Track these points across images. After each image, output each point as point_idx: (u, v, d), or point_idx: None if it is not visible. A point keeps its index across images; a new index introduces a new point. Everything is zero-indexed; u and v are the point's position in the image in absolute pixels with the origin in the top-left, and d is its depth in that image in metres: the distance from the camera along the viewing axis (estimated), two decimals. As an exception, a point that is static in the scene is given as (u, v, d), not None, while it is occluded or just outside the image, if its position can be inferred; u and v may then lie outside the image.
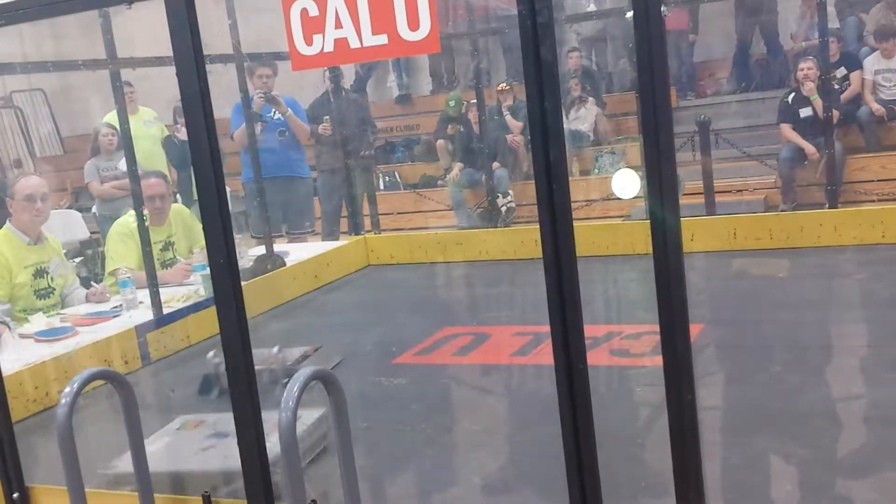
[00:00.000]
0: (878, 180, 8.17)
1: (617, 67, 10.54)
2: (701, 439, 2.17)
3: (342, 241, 7.90)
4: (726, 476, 3.16)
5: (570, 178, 7.40)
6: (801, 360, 4.31)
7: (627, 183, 7.29)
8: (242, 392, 2.62)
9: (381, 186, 10.62)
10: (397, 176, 10.97)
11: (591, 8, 10.34)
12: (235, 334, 2.57)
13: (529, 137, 2.12)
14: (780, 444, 3.38)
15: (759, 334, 4.76)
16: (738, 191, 8.48)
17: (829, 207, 7.29)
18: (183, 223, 6.46)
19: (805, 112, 8.14)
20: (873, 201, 7.84)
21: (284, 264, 6.67)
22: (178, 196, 7.92)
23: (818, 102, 7.89)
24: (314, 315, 6.36)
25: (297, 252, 7.17)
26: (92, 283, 6.23)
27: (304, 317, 6.32)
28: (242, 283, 2.63)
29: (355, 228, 8.25)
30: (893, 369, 4.04)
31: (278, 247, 7.13)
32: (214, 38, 6.89)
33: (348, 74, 10.84)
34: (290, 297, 6.55)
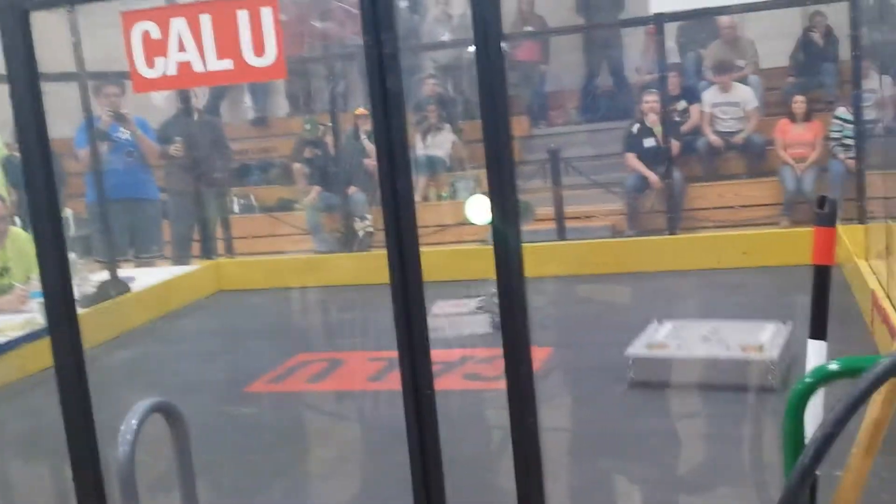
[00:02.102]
0: (714, 208, 8.65)
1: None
2: (545, 461, 2.23)
3: (192, 266, 7.68)
4: (572, 496, 3.25)
5: (426, 203, 7.46)
6: (643, 381, 4.49)
7: (481, 208, 7.42)
8: (78, 428, 2.49)
9: (236, 209, 10.40)
10: (252, 199, 10.77)
11: (447, 37, 10.52)
12: (70, 366, 2.45)
13: (377, 166, 2.13)
14: (623, 464, 3.50)
15: (603, 356, 4.93)
16: (586, 217, 8.78)
17: (670, 234, 7.66)
18: (19, 248, 6.12)
19: (649, 142, 8.53)
20: (710, 228, 8.28)
21: (129, 290, 6.43)
22: (16, 219, 7.50)
23: (661, 133, 8.28)
24: (160, 343, 6.15)
25: (143, 277, 6.92)
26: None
27: (149, 345, 6.09)
28: (84, 310, 2.52)
29: (208, 252, 8.04)
30: (726, 388, 4.26)
31: (124, 272, 6.86)
32: (57, 55, 6.61)
33: (202, 95, 10.60)
34: (135, 325, 6.31)
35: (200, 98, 9.80)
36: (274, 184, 10.98)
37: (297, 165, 10.17)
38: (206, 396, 4.71)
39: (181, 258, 8.18)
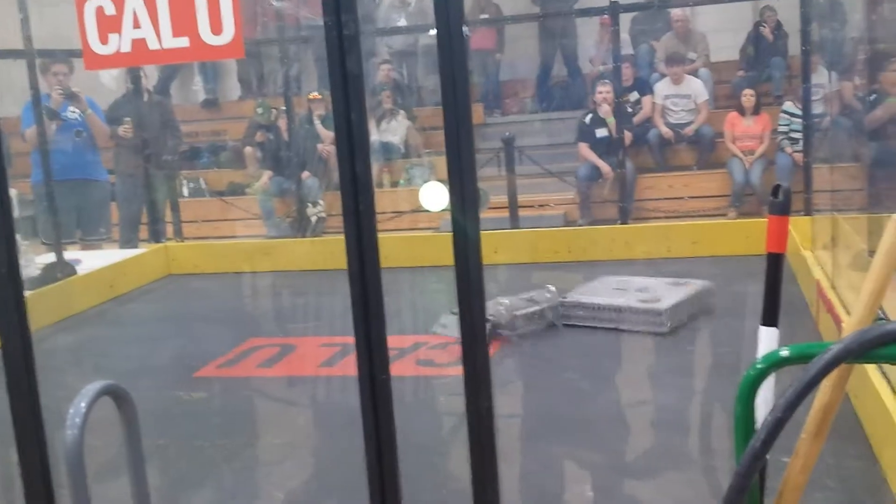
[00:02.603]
0: (664, 199, 8.76)
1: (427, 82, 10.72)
2: (499, 446, 2.24)
3: (141, 249, 7.56)
4: (523, 481, 3.27)
5: (381, 190, 7.44)
6: (594, 368, 4.54)
7: (435, 195, 7.42)
8: (25, 412, 2.44)
9: (185, 193, 10.25)
10: (202, 182, 10.62)
11: (402, 23, 10.47)
12: (18, 350, 2.39)
13: (336, 148, 2.11)
14: (574, 450, 3.54)
15: (555, 343, 4.98)
16: (539, 206, 8.83)
17: (621, 223, 7.74)
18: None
19: (601, 133, 8.60)
20: (660, 218, 8.39)
21: (76, 272, 6.30)
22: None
23: (613, 124, 8.36)
24: (108, 326, 6.05)
25: (90, 260, 6.80)
26: None
27: (97, 328, 5.99)
28: (29, 293, 2.45)
29: (156, 236, 7.92)
30: (676, 375, 4.34)
31: (70, 254, 6.73)
32: (6, 32, 6.46)
33: (153, 75, 10.40)
34: (82, 308, 6.20)
35: (150, 78, 9.62)
36: (225, 167, 10.86)
37: (248, 149, 10.06)
38: (155, 381, 4.65)
39: (128, 241, 8.05)
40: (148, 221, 7.91)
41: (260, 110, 9.89)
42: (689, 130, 8.91)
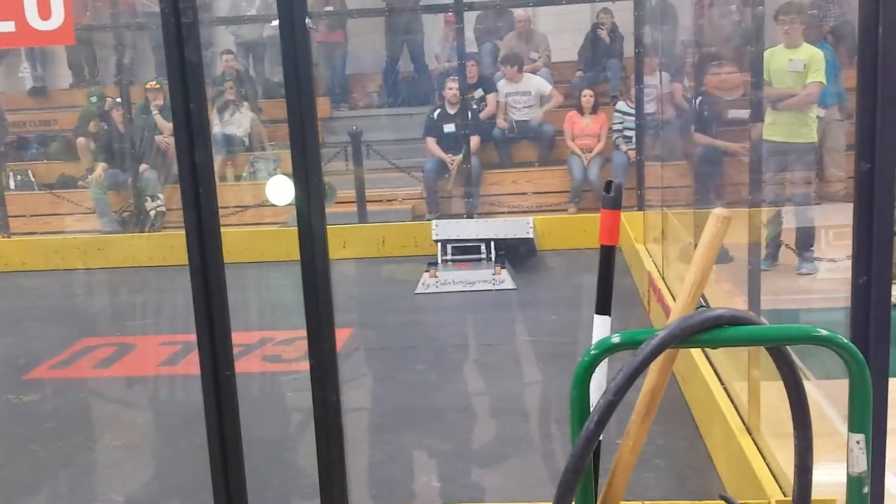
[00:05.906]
0: (509, 193, 8.98)
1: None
2: (347, 439, 2.25)
3: (-37, 246, 7.09)
4: (372, 472, 3.30)
5: (224, 184, 7.26)
6: (440, 359, 4.62)
7: (282, 189, 7.32)
8: None
9: (12, 186, 9.67)
10: (31, 175, 10.04)
11: (253, 12, 10.22)
12: None
13: (174, 139, 2.05)
14: (421, 439, 3.60)
15: (404, 336, 5.03)
16: (387, 200, 8.86)
17: (468, 217, 7.89)
18: None
19: (448, 128, 8.73)
20: (505, 213, 8.59)
21: None
22: None
23: (460, 120, 8.50)
24: (-74, 328, 5.64)
25: None
26: None
27: (-87, 330, 5.57)
28: None
29: (-21, 231, 7.44)
30: (516, 364, 4.47)
31: None
32: None
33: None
34: None
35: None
36: (55, 159, 10.29)
37: (81, 140, 9.58)
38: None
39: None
40: (-31, 216, 7.42)
41: (94, 99, 9.44)
42: (535, 121, 9.13)
